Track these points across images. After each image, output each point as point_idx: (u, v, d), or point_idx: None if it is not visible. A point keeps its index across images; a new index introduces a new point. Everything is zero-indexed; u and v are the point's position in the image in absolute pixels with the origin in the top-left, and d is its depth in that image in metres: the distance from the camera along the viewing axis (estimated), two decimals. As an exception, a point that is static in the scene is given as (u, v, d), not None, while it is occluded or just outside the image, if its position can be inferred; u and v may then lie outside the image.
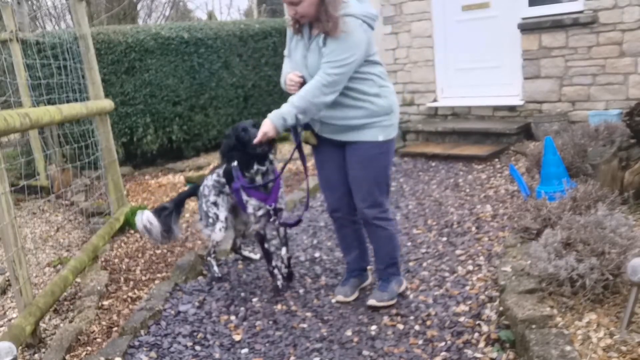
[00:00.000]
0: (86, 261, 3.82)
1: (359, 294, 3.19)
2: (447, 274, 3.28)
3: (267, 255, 3.37)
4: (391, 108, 2.88)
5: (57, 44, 5.33)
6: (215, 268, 3.61)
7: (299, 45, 2.87)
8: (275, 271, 3.37)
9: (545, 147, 4.06)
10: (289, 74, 2.89)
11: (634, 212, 3.40)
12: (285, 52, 3.03)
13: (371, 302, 3.01)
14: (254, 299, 3.28)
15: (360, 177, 2.92)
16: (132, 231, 4.75)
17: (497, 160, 5.59)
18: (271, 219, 3.26)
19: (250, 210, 3.28)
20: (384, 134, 2.87)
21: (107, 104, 4.86)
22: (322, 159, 3.09)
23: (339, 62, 2.66)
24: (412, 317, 2.87)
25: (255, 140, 2.87)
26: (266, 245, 3.36)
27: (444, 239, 3.84)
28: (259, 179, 3.22)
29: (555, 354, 2.11)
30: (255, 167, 3.18)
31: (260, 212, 3.26)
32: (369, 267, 3.31)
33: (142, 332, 2.96)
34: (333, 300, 3.15)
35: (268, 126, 2.79)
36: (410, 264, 3.51)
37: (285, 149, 6.24)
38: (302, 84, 2.81)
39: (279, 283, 3.35)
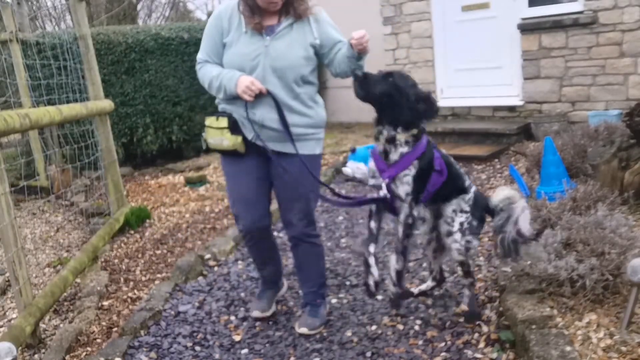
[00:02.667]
0: (86, 262, 3.82)
1: (276, 306, 3.09)
2: (447, 275, 3.27)
3: (369, 234, 2.72)
4: (325, 121, 2.81)
5: (57, 45, 5.33)
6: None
7: (246, 38, 2.61)
8: (371, 260, 2.69)
9: (545, 148, 4.06)
10: (242, 77, 2.56)
11: (634, 212, 3.40)
12: (203, 57, 2.73)
13: (302, 330, 2.81)
14: (254, 299, 3.28)
15: (296, 192, 2.70)
16: (132, 231, 4.76)
17: (497, 160, 5.59)
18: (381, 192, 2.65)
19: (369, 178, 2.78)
20: (319, 146, 2.77)
21: (107, 104, 4.86)
22: (242, 170, 2.75)
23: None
24: (412, 317, 2.86)
25: (358, 36, 2.52)
26: (372, 224, 2.72)
27: (444, 239, 3.84)
28: (380, 142, 2.65)
29: (555, 354, 2.11)
30: (376, 125, 2.65)
31: (372, 182, 2.73)
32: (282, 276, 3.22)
33: (142, 332, 2.96)
34: (252, 315, 3.01)
35: None
36: (410, 264, 3.50)
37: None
38: (258, 94, 2.56)
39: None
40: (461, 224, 2.63)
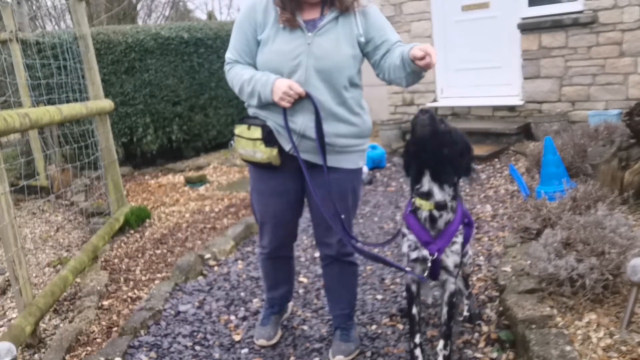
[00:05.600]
0: (86, 261, 3.82)
1: (281, 331, 2.86)
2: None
3: (411, 323, 2.37)
4: (371, 129, 2.47)
5: (57, 44, 5.33)
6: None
7: (285, 34, 2.26)
8: (417, 352, 2.35)
9: (545, 147, 4.06)
10: (279, 80, 2.22)
11: (634, 212, 3.40)
12: (233, 56, 2.38)
13: (339, 357, 2.52)
14: (254, 299, 3.28)
15: (336, 209, 2.32)
16: (131, 231, 4.76)
17: (497, 160, 5.59)
18: (425, 274, 2.24)
19: (404, 248, 2.29)
20: (363, 159, 2.45)
21: (107, 104, 4.85)
22: (277, 186, 2.43)
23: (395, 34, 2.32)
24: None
25: (428, 55, 2.03)
26: (414, 310, 2.34)
27: (444, 239, 3.84)
28: (426, 208, 2.17)
29: (555, 354, 2.11)
30: (426, 183, 2.17)
31: (414, 255, 2.25)
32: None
33: (142, 332, 2.96)
34: (257, 343, 2.76)
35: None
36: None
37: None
38: (298, 99, 2.22)
39: None
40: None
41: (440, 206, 2.15)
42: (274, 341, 2.77)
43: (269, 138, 2.30)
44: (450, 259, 2.21)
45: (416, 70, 2.16)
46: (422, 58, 2.05)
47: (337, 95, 2.29)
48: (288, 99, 2.20)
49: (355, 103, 2.36)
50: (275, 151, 2.31)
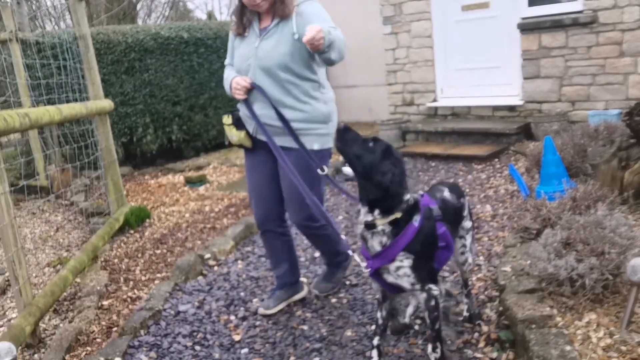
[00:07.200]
0: (86, 261, 3.82)
1: (285, 306, 3.09)
2: (446, 274, 3.27)
3: (375, 325, 2.42)
4: (330, 116, 2.80)
5: (57, 44, 5.33)
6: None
7: (245, 40, 2.77)
8: (374, 353, 2.38)
9: (545, 147, 4.06)
10: (235, 78, 2.75)
11: (634, 212, 3.40)
12: (227, 61, 2.95)
13: (315, 292, 3.17)
14: (254, 299, 3.28)
15: (293, 187, 2.68)
16: (131, 231, 4.76)
17: (496, 160, 5.59)
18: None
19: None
20: (318, 142, 2.77)
21: (107, 104, 4.85)
22: (254, 164, 2.94)
23: (330, 21, 2.57)
24: (411, 317, 2.86)
25: (307, 38, 2.26)
26: (378, 314, 2.40)
27: (444, 239, 3.84)
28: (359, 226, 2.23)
29: (555, 353, 2.11)
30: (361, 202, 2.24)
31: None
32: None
33: (142, 332, 2.96)
34: (258, 312, 3.05)
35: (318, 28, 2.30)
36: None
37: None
38: (249, 90, 2.72)
39: None
40: (470, 244, 2.59)
41: (369, 226, 2.16)
42: (271, 311, 3.04)
43: (237, 123, 2.85)
44: (401, 281, 2.19)
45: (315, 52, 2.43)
46: (310, 44, 2.33)
47: (281, 87, 2.70)
48: (238, 91, 2.72)
49: (302, 93, 2.73)
50: (243, 134, 2.84)
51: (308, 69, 2.73)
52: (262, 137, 2.78)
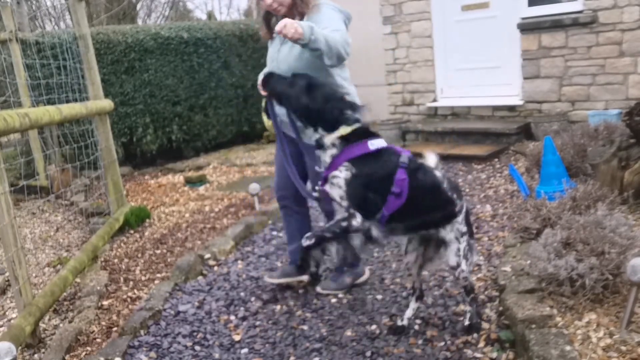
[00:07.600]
0: (86, 261, 3.82)
1: (291, 280, 3.31)
2: (446, 274, 3.27)
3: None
4: None
5: (57, 44, 5.33)
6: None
7: (272, 44, 3.01)
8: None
9: (544, 147, 4.06)
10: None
11: (634, 212, 3.40)
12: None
13: (317, 288, 3.27)
14: (254, 299, 3.28)
15: (314, 174, 2.90)
16: (131, 231, 4.76)
17: (496, 160, 5.59)
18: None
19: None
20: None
21: (107, 104, 4.85)
22: (278, 146, 3.10)
23: (334, 25, 2.69)
24: (411, 317, 2.86)
25: (278, 28, 2.42)
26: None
27: (444, 238, 3.83)
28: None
29: (555, 353, 2.11)
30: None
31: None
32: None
33: (142, 332, 2.96)
34: (265, 278, 3.36)
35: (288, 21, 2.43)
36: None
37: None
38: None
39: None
40: (464, 249, 2.53)
41: (320, 145, 2.48)
42: (274, 280, 3.31)
43: (267, 112, 2.97)
44: (333, 191, 2.40)
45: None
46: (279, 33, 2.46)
47: None
48: (260, 89, 2.83)
49: None
50: (270, 122, 3.00)
51: (321, 70, 2.79)
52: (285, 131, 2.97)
